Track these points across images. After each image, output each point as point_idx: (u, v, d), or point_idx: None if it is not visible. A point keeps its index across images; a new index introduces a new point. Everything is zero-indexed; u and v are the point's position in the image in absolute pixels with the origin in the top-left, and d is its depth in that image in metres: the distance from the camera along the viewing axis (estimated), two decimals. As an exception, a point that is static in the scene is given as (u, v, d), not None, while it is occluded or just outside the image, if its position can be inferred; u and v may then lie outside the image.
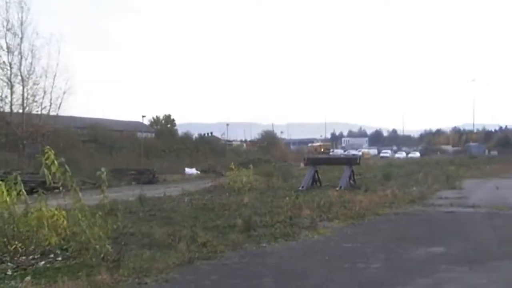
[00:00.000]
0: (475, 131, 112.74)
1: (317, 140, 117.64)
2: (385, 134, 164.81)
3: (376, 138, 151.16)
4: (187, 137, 58.51)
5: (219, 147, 57.18)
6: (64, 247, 8.30)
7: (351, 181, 21.41)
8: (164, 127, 73.90)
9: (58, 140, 30.93)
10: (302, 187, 20.20)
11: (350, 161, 23.80)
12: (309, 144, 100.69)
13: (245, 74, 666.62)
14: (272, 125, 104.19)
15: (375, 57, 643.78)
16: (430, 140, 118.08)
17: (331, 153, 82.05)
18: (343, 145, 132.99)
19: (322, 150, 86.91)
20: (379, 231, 10.85)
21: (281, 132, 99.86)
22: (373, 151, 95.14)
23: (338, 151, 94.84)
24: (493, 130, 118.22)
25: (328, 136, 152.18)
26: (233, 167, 21.68)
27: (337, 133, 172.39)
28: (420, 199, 16.34)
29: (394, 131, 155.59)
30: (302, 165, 32.32)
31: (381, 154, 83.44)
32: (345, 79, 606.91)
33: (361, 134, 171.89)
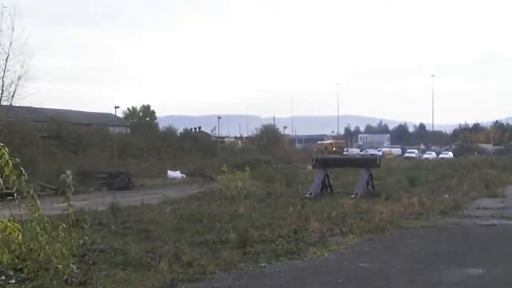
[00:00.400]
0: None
1: (328, 137, 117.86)
2: (410, 129, 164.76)
3: (400, 135, 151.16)
4: (170, 132, 58.58)
5: (209, 145, 57.29)
6: (19, 267, 8.27)
7: (369, 187, 21.48)
8: (142, 120, 73.97)
9: (12, 135, 30.88)
10: (310, 194, 20.25)
11: (368, 162, 23.91)
12: (318, 142, 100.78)
13: (240, 57, 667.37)
14: (274, 118, 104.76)
15: (396, 39, 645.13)
16: (466, 137, 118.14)
17: (344, 153, 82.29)
18: (360, 143, 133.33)
19: (334, 149, 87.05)
20: (403, 248, 10.88)
21: (285, 127, 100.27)
22: (396, 150, 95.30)
23: (354, 151, 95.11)
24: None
25: (342, 132, 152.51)
26: (225, 169, 21.67)
27: (352, 129, 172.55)
28: (454, 210, 16.40)
29: (422, 126, 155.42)
30: (309, 167, 32.37)
31: (406, 154, 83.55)
32: (361, 64, 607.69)
33: (382, 129, 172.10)
